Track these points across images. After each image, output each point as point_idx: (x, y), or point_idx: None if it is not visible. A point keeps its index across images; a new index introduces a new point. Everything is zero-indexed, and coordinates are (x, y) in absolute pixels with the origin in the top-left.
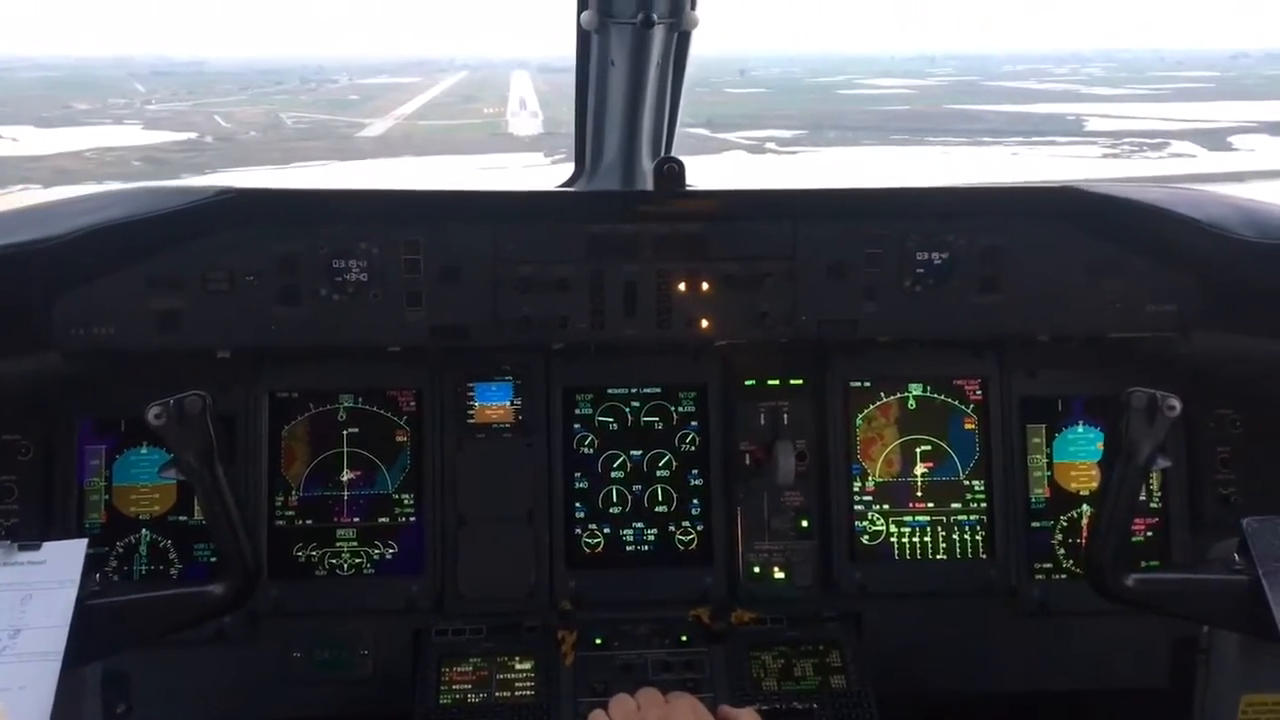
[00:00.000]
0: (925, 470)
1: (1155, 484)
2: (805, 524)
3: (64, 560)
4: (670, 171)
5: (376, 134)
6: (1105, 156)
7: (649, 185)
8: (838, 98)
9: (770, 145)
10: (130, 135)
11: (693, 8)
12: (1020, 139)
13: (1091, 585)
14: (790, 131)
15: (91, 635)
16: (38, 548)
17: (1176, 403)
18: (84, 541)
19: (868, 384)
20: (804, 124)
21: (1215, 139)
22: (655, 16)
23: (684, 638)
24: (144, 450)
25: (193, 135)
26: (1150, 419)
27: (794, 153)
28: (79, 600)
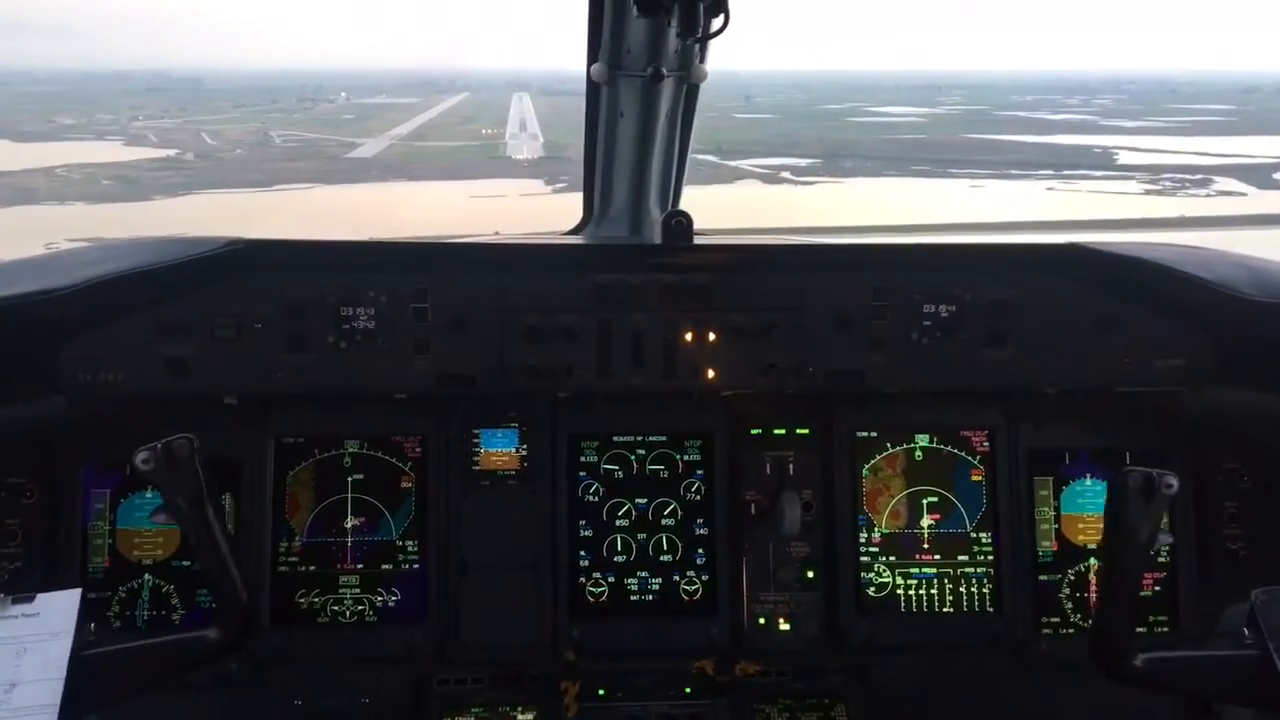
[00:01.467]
0: (932, 522)
1: (1164, 544)
2: (811, 575)
3: (58, 611)
4: (678, 226)
5: (369, 155)
6: (1148, 193)
7: (656, 233)
8: (848, 125)
9: (785, 175)
10: (109, 152)
11: (701, 61)
12: (1051, 172)
13: (1098, 666)
14: (805, 160)
15: (88, 686)
16: (31, 600)
17: (1174, 480)
18: (78, 592)
19: (874, 435)
20: (818, 152)
21: (1260, 175)
22: (665, 70)
23: (688, 690)
24: (148, 494)
25: (173, 153)
26: (1148, 499)
27: (811, 183)
28: (74, 651)
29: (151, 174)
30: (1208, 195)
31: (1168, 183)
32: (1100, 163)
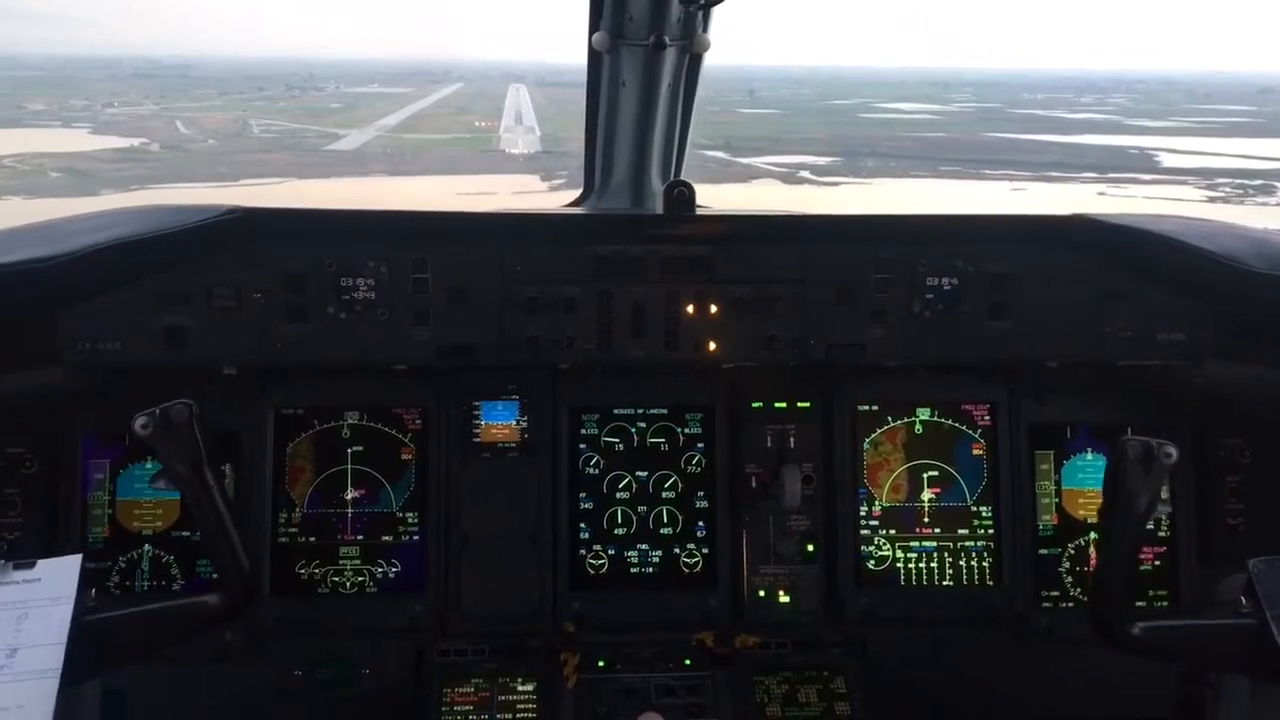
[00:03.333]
0: (932, 496)
1: (1163, 513)
2: (811, 548)
3: (59, 577)
4: (680, 196)
5: (350, 147)
6: (1211, 200)
7: (658, 205)
8: (860, 121)
9: (805, 174)
10: (71, 140)
11: (704, 30)
12: (1094, 174)
13: (1096, 634)
14: (824, 158)
15: (89, 651)
16: (32, 566)
17: (1174, 450)
18: (78, 558)
19: (875, 408)
20: (836, 150)
21: None
22: (667, 39)
23: (688, 661)
24: (148, 465)
25: (137, 142)
26: (1146, 468)
27: (835, 184)
28: (75, 617)
29: (107, 165)
30: (1278, 204)
31: (1227, 188)
32: (1142, 165)
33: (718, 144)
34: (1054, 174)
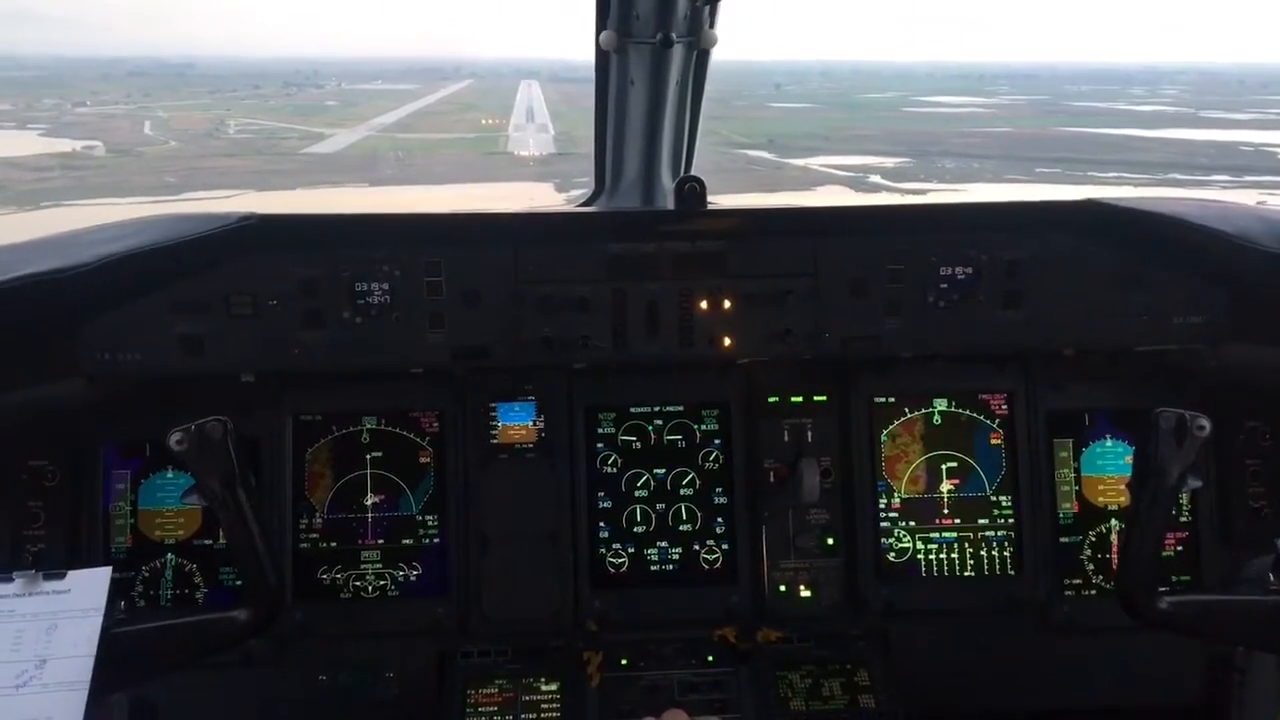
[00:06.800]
0: (951, 486)
1: (1185, 498)
2: (831, 542)
3: (89, 589)
4: (691, 191)
5: (333, 149)
6: None
7: (669, 203)
8: (907, 116)
9: (876, 179)
10: (12, 144)
11: (711, 26)
12: (1229, 177)
13: (1123, 608)
14: (891, 160)
15: (117, 664)
16: (63, 576)
17: (1206, 423)
18: (108, 570)
19: (892, 400)
20: (900, 149)
21: None
22: (674, 36)
23: (710, 658)
24: (169, 474)
25: (80, 146)
26: (1179, 440)
27: (921, 190)
28: (104, 629)
29: (29, 174)
30: None
31: None
32: (1268, 165)
33: (760, 143)
34: (1177, 176)
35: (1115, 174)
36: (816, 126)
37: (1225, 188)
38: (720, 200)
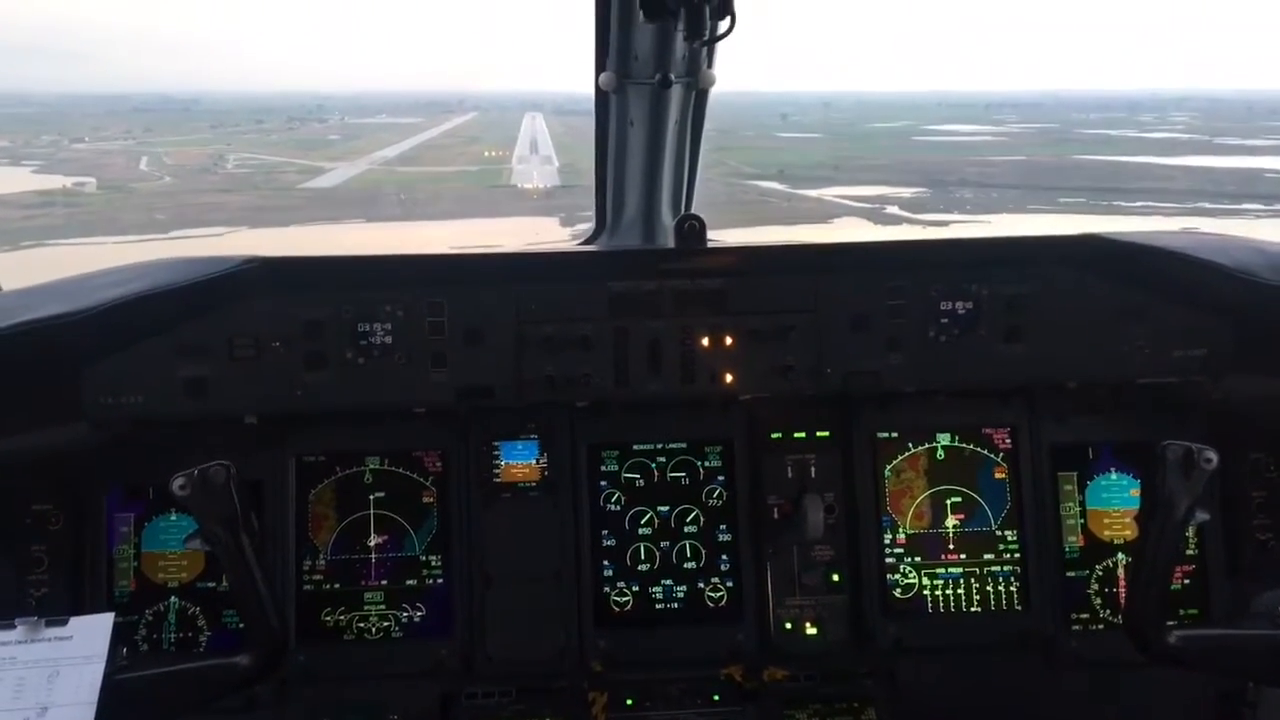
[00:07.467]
0: (956, 521)
1: (1191, 531)
2: (836, 578)
3: (91, 636)
4: (691, 229)
5: (330, 184)
6: None
7: (670, 241)
8: (917, 145)
9: (893, 209)
10: (6, 181)
11: (709, 65)
12: (1261, 205)
13: (1132, 642)
14: (907, 190)
15: (119, 711)
16: (65, 623)
17: (1213, 455)
18: (110, 616)
19: (895, 435)
20: (914, 179)
21: None
22: (673, 76)
23: (716, 697)
24: (172, 517)
25: (70, 183)
26: (1186, 473)
27: (942, 222)
28: (106, 675)
29: (16, 212)
30: None
31: None
32: None
33: (770, 174)
34: (1206, 205)
35: (1143, 204)
36: (826, 156)
37: (1260, 216)
38: (724, 236)
